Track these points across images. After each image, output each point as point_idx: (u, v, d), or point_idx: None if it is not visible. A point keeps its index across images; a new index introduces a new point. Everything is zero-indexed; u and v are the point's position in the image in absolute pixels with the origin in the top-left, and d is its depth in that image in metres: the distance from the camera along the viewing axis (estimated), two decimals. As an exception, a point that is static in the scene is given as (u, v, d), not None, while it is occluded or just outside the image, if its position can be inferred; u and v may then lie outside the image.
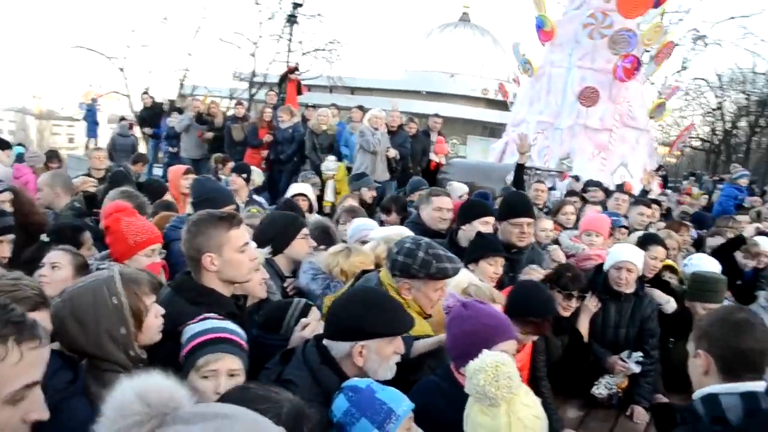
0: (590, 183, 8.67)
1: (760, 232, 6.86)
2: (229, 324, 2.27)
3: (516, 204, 4.43)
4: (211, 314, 2.31)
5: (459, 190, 6.65)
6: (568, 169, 11.16)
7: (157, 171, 11.76)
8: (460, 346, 2.45)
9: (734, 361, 1.94)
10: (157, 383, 1.27)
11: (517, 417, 1.92)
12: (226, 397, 1.76)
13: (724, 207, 9.71)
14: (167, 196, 5.43)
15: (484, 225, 4.20)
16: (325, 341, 2.35)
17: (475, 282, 3.17)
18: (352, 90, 34.48)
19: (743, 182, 10.63)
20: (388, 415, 2.03)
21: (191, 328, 2.24)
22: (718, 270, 4.80)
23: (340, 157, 9.34)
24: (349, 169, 8.78)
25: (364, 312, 2.32)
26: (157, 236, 3.37)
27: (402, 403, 2.08)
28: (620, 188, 10.06)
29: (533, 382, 3.53)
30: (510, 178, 7.47)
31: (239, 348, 2.22)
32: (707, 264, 4.91)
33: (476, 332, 2.40)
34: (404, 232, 3.80)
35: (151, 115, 13.21)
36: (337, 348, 2.31)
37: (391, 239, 3.52)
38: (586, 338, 4.12)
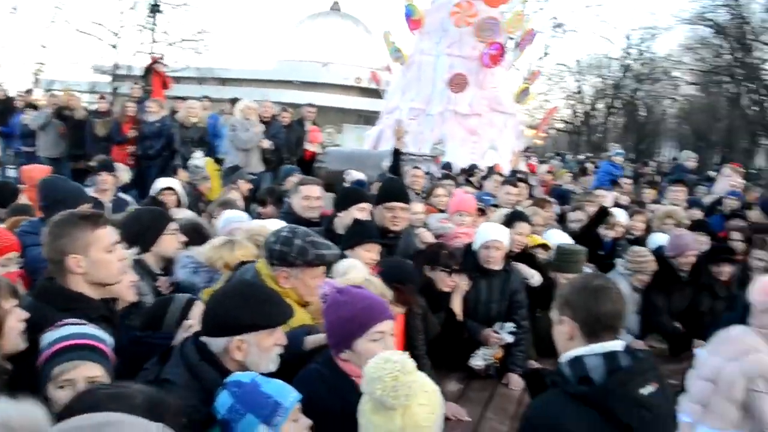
0: (444, 166, 8.94)
1: (617, 204, 7.38)
2: (88, 329, 2.17)
3: (390, 189, 4.53)
4: (71, 320, 2.19)
5: (357, 177, 6.70)
6: (442, 154, 11.47)
7: (14, 173, 10.89)
8: (339, 332, 2.46)
9: (595, 324, 2.05)
10: (15, 408, 1.20)
11: (413, 421, 1.92)
12: (73, 405, 1.61)
13: (601, 183, 10.22)
14: (22, 199, 5.06)
15: (361, 212, 4.23)
16: (202, 338, 2.29)
17: (369, 277, 3.20)
18: (223, 81, 33.52)
19: (618, 160, 11.24)
20: (274, 408, 2.00)
21: (48, 336, 2.11)
22: (565, 239, 5.22)
23: (211, 151, 9.07)
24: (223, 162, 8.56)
25: (240, 306, 2.28)
26: (13, 244, 3.15)
27: (289, 395, 2.06)
28: (492, 170, 10.50)
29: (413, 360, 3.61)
30: (386, 164, 7.58)
31: (99, 354, 2.11)
32: (558, 237, 5.31)
33: (353, 317, 2.42)
34: (269, 226, 3.73)
35: (1, 111, 12.21)
36: (216, 344, 2.26)
37: (255, 231, 3.48)
38: (460, 315, 4.27)
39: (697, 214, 7.59)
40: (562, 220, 6.63)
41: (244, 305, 2.29)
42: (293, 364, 2.47)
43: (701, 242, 5.76)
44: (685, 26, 34.53)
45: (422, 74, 13.54)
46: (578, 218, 6.27)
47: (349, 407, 2.12)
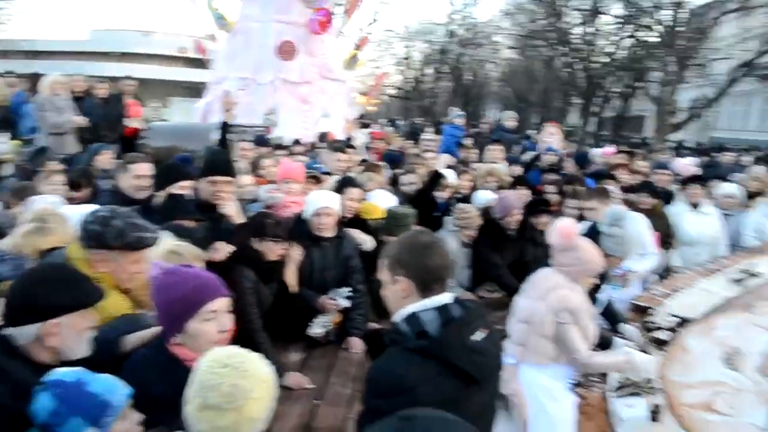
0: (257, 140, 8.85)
1: (449, 166, 7.67)
2: None
3: (213, 162, 4.38)
4: None
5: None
6: (274, 124, 11.26)
7: None
8: (169, 315, 2.34)
9: (428, 278, 2.11)
10: None
11: (246, 416, 1.84)
12: None
13: (447, 146, 10.50)
14: None
15: (183, 190, 4.08)
16: (6, 330, 2.08)
17: (178, 243, 3.06)
18: (33, 54, 30.65)
19: (459, 121, 11.58)
20: (103, 408, 1.86)
21: None
22: (392, 203, 5.36)
23: (16, 133, 8.22)
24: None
25: (50, 287, 2.12)
26: None
27: (118, 392, 1.93)
28: (323, 138, 10.50)
29: (248, 335, 3.56)
30: (215, 137, 7.34)
31: None
32: (386, 200, 5.45)
33: (183, 298, 2.31)
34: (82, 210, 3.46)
35: None
36: (25, 333, 2.07)
37: (39, 214, 3.24)
38: (294, 286, 4.24)
39: (517, 170, 8.10)
40: (395, 183, 6.77)
41: (54, 286, 2.13)
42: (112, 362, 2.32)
43: (523, 197, 6.15)
44: (503, -8, 36.44)
45: (250, 42, 13.14)
46: (411, 181, 6.43)
47: (182, 393, 2.03)
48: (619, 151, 10.83)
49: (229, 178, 4.25)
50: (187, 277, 2.39)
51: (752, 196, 6.95)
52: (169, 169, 4.41)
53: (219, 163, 4.34)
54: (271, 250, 3.94)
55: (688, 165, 9.68)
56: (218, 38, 14.73)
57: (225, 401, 1.81)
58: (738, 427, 3.25)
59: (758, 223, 6.33)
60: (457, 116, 11.48)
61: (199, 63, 19.63)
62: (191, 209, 3.79)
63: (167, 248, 2.94)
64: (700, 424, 3.32)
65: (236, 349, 1.97)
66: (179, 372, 2.20)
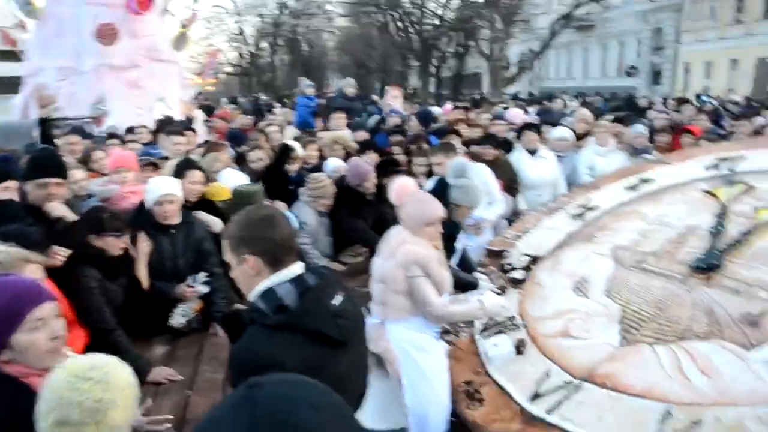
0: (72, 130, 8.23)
1: (296, 137, 7.55)
2: None
3: (39, 162, 4.00)
4: None
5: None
6: (104, 114, 10.51)
7: None
8: None
9: (278, 251, 2.06)
10: None
11: (108, 426, 1.71)
12: None
13: (303, 117, 10.33)
14: None
15: (4, 191, 3.70)
16: None
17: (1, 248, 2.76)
18: None
19: (311, 91, 11.45)
20: None
21: None
22: (242, 180, 5.23)
23: None
24: None
25: None
26: None
27: None
28: (164, 123, 9.96)
29: (103, 336, 3.39)
30: (36, 134, 6.75)
31: None
32: (236, 178, 5.30)
33: (2, 310, 2.05)
34: None
35: None
36: None
37: None
38: (145, 281, 4.00)
39: (363, 135, 8.14)
40: (241, 162, 6.56)
41: None
42: None
43: (373, 161, 6.19)
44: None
45: (63, 29, 12.03)
46: (258, 157, 6.26)
47: (20, 412, 1.84)
48: (456, 107, 11.28)
49: (60, 180, 3.89)
50: (2, 287, 2.14)
51: (581, 137, 7.44)
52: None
53: (47, 163, 3.96)
54: (112, 245, 3.68)
55: (519, 113, 10.23)
56: (27, 26, 13.42)
57: (87, 416, 1.69)
58: (593, 347, 3.47)
59: (589, 160, 6.79)
60: (307, 86, 11.41)
61: (12, 55, 17.87)
62: (19, 214, 3.43)
63: None
64: (560, 350, 3.52)
65: (96, 359, 1.83)
66: (14, 390, 2.02)
